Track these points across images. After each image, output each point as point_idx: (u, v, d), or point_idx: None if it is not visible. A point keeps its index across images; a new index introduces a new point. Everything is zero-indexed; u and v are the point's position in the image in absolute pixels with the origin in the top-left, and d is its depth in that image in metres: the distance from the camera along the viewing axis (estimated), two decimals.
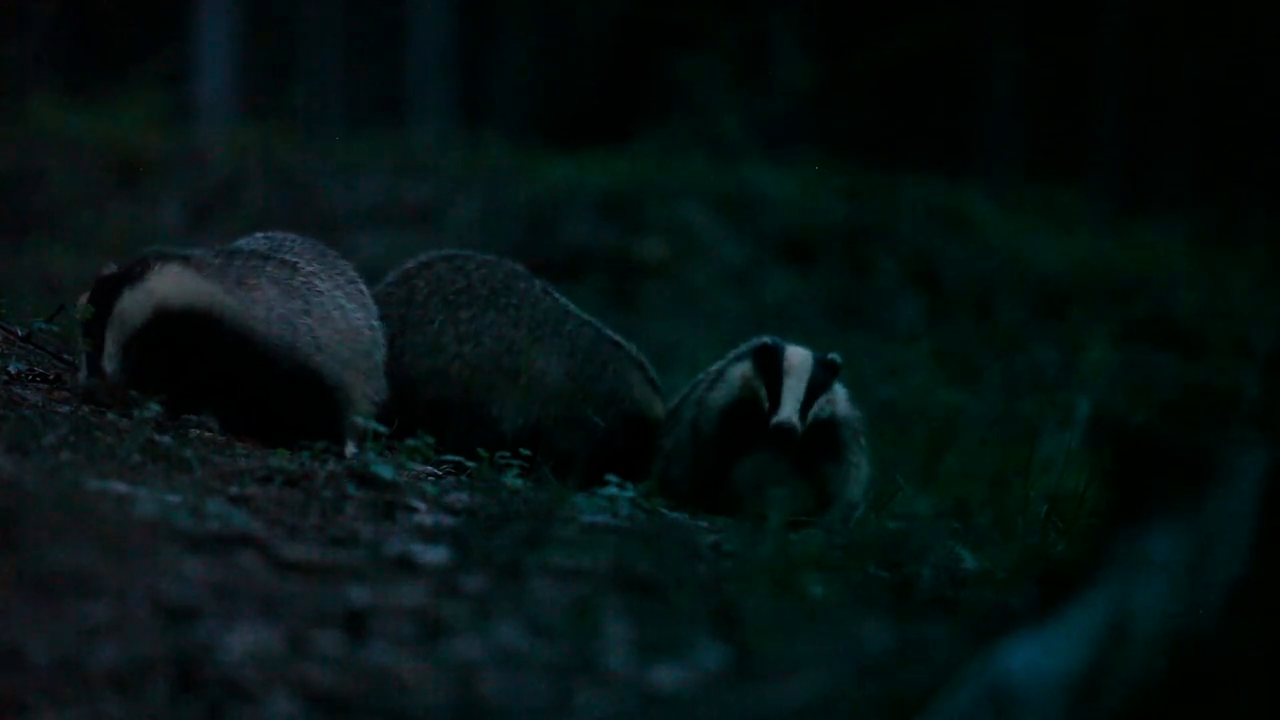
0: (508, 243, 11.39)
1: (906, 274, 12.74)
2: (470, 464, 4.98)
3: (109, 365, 4.55)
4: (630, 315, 11.05)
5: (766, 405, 5.19)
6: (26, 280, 9.63)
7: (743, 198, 13.52)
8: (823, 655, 3.11)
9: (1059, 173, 18.01)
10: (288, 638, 3.07)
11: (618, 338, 5.83)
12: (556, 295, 5.78)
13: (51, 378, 4.90)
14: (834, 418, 5.32)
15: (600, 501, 4.45)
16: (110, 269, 4.66)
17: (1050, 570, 2.88)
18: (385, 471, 4.33)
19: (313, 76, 21.08)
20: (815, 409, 5.20)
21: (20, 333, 5.23)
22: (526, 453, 5.08)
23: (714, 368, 5.58)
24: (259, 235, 5.07)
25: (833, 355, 5.30)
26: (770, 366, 5.22)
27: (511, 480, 4.65)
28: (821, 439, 5.31)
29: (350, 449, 4.97)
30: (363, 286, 5.08)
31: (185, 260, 4.69)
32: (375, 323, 5.06)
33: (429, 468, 4.94)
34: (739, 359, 5.40)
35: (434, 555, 3.71)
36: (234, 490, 4.07)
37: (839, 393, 5.34)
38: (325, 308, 4.86)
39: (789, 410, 5.15)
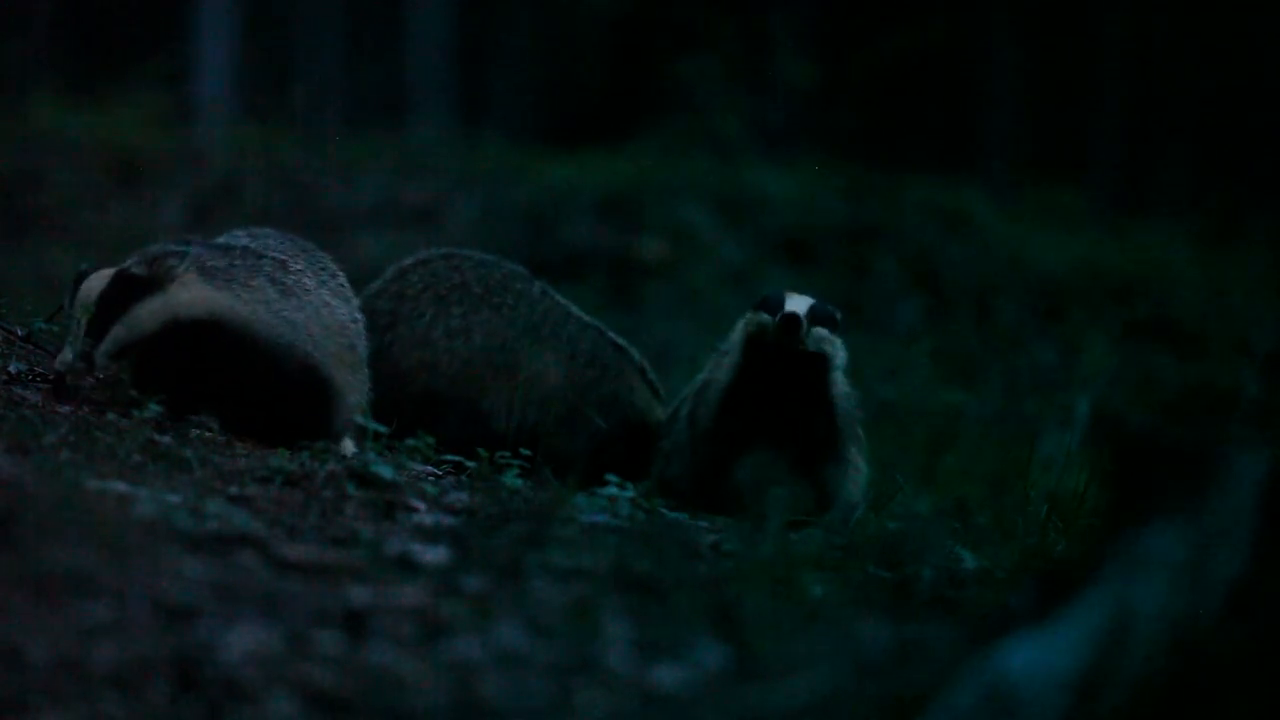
0: (508, 243, 11.39)
1: (906, 274, 12.74)
2: (470, 464, 4.98)
3: (99, 360, 4.56)
4: (630, 315, 11.05)
5: (771, 320, 5.25)
6: (26, 280, 9.63)
7: (743, 198, 13.53)
8: (823, 655, 3.11)
9: (1059, 173, 18.02)
10: (288, 638, 3.07)
11: (620, 341, 5.83)
12: (557, 297, 5.78)
13: (51, 378, 4.90)
14: (831, 380, 5.34)
15: (600, 501, 4.45)
16: (129, 267, 4.65)
17: (1050, 570, 2.88)
18: (385, 471, 4.33)
19: (313, 76, 21.08)
20: (816, 334, 5.27)
21: (20, 333, 5.23)
22: (526, 453, 5.08)
23: (710, 362, 5.59)
24: (238, 232, 5.08)
25: (832, 307, 5.38)
26: (773, 299, 5.33)
27: (511, 480, 4.65)
28: (818, 409, 5.34)
29: (350, 448, 4.97)
30: (344, 280, 5.11)
31: (200, 268, 4.70)
32: (358, 316, 5.08)
33: (429, 468, 4.94)
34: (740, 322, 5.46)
35: (434, 555, 3.71)
36: (234, 490, 4.08)
37: (840, 348, 5.38)
38: (314, 304, 4.89)
39: (794, 305, 5.23)
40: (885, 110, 20.35)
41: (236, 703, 2.82)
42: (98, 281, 4.62)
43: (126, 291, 4.61)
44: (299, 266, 4.93)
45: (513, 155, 14.90)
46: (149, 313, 4.60)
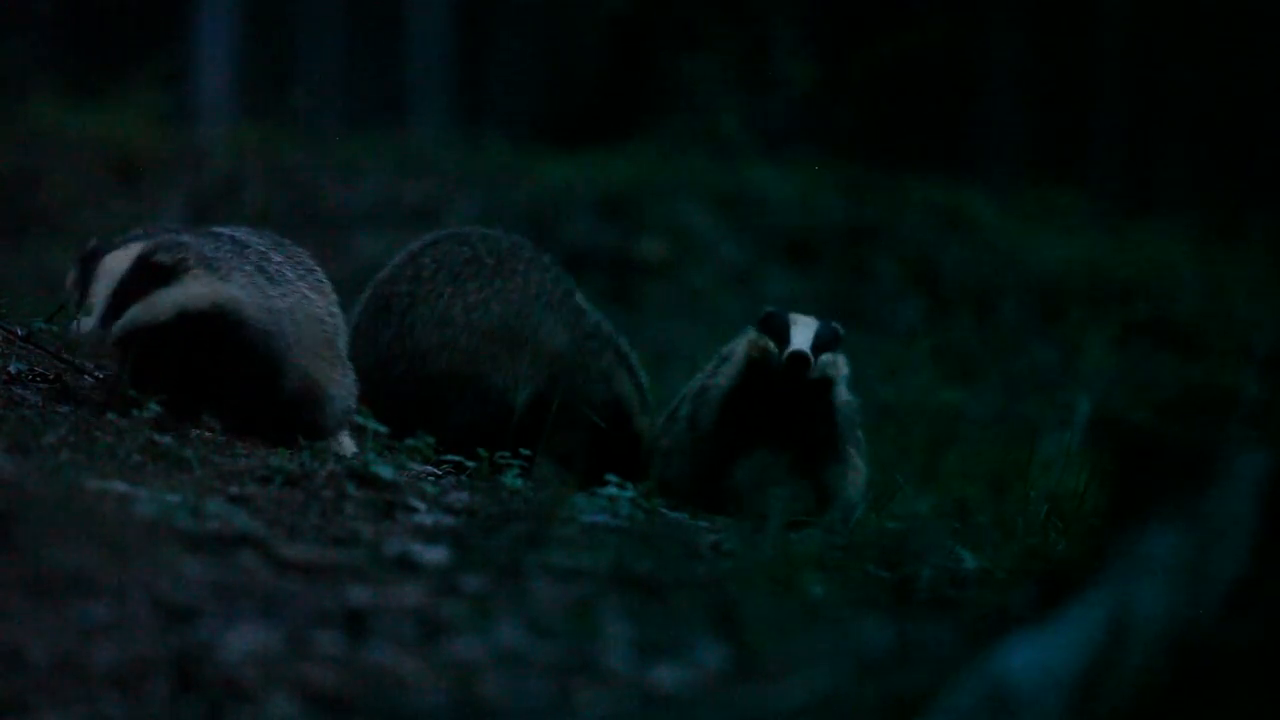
0: None
1: (906, 274, 12.74)
2: (470, 464, 4.98)
3: (111, 335, 4.57)
4: (630, 315, 11.04)
5: (777, 352, 5.22)
6: (26, 280, 9.63)
7: (743, 198, 13.52)
8: (823, 655, 3.11)
9: (1059, 173, 18.01)
10: (288, 638, 3.07)
11: (614, 332, 5.87)
12: (563, 273, 5.83)
13: (51, 378, 4.90)
14: (835, 396, 5.34)
15: (600, 501, 4.45)
16: (151, 253, 4.67)
17: (1050, 570, 2.88)
18: (385, 471, 4.34)
19: (313, 76, 21.08)
20: (822, 361, 5.24)
21: (20, 333, 5.23)
22: (526, 452, 5.09)
23: (709, 365, 5.59)
24: (216, 228, 5.09)
25: (835, 324, 5.35)
26: (777, 323, 5.28)
27: (511, 480, 4.65)
28: (820, 420, 5.33)
29: (350, 447, 4.97)
30: (321, 275, 5.13)
31: (203, 260, 4.73)
32: (335, 310, 5.10)
33: (429, 468, 4.94)
34: (741, 338, 5.44)
35: (434, 555, 3.71)
36: (234, 490, 4.08)
37: (843, 363, 5.37)
38: (294, 298, 4.92)
39: (800, 343, 5.20)
40: (885, 110, 20.34)
41: (236, 703, 2.82)
42: (119, 261, 4.63)
43: (149, 276, 4.63)
44: (279, 259, 4.98)
45: (513, 155, 14.90)
46: (162, 304, 4.63)
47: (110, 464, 4.09)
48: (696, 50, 16.91)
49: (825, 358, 5.27)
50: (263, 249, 4.96)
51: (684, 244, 12.88)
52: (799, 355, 5.20)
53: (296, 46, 21.44)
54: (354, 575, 3.48)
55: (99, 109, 15.09)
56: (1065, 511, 5.16)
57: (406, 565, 3.63)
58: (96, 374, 5.04)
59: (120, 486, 3.84)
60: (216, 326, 4.69)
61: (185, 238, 4.77)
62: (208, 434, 4.65)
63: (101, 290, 4.58)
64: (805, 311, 5.43)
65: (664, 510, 4.82)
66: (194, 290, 4.68)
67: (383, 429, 4.74)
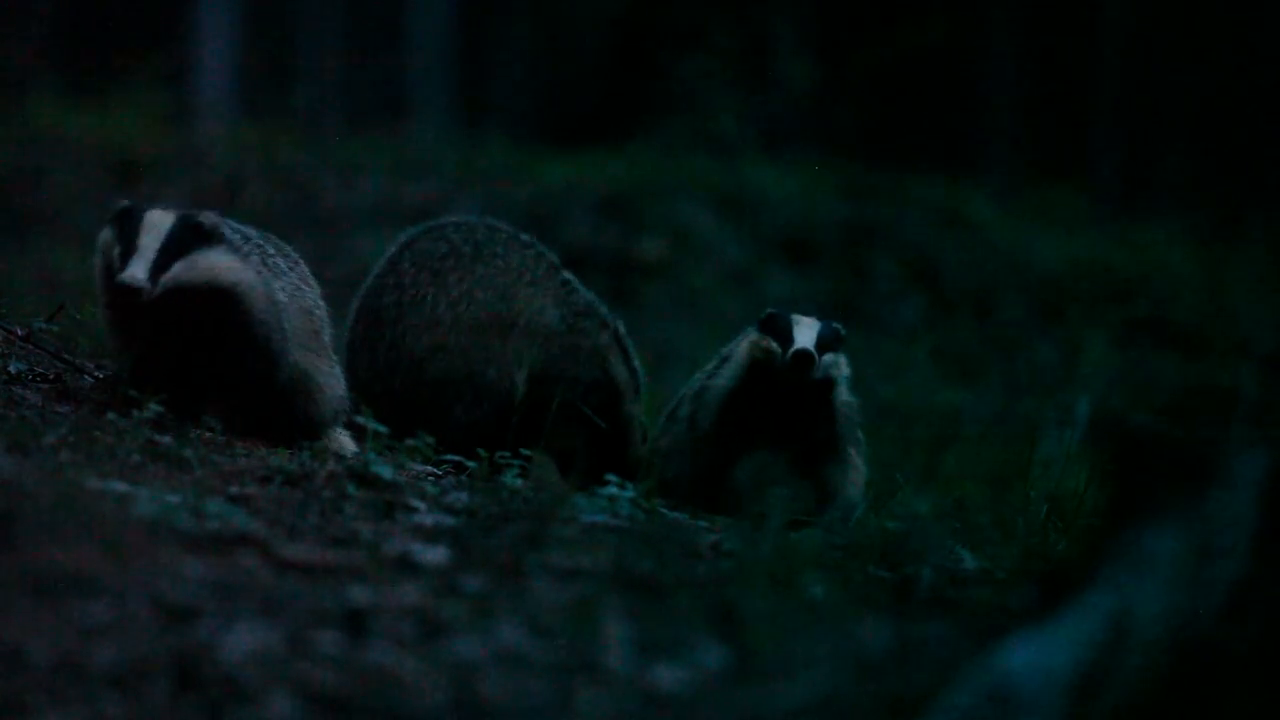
0: None
1: (906, 274, 12.74)
2: (470, 464, 4.98)
3: (158, 288, 4.59)
4: (630, 315, 11.04)
5: (781, 351, 5.23)
6: (26, 280, 9.62)
7: (743, 197, 13.53)
8: (823, 655, 3.11)
9: (1059, 173, 18.01)
10: (288, 638, 3.07)
11: (612, 315, 5.87)
12: (544, 250, 5.81)
13: (51, 378, 4.90)
14: (836, 397, 5.34)
15: (600, 501, 4.45)
16: (191, 213, 4.72)
17: (1050, 570, 2.88)
18: (385, 471, 4.34)
19: (313, 76, 21.08)
20: (825, 361, 5.25)
21: (20, 333, 5.23)
22: (527, 452, 5.09)
23: (709, 366, 5.59)
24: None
25: (836, 324, 5.36)
26: (780, 324, 5.28)
27: (511, 480, 4.65)
28: (821, 421, 5.33)
29: (350, 447, 4.97)
30: (305, 268, 5.15)
31: (232, 242, 4.78)
32: (321, 302, 5.11)
33: (429, 468, 4.94)
34: (743, 339, 5.44)
35: (434, 555, 3.71)
36: (234, 490, 4.08)
37: (844, 364, 5.38)
38: (290, 290, 4.95)
39: (804, 341, 5.20)
40: (885, 110, 20.35)
41: (236, 703, 2.82)
42: (163, 218, 4.65)
43: (192, 235, 4.67)
44: (270, 250, 5.00)
45: (513, 155, 14.90)
46: (204, 263, 4.67)
47: (110, 464, 4.09)
48: (696, 50, 16.90)
49: (828, 358, 5.28)
50: (259, 241, 4.98)
51: (684, 244, 12.88)
52: (803, 354, 5.21)
53: (296, 46, 21.44)
54: (354, 575, 3.48)
55: (99, 109, 15.08)
56: (1065, 511, 5.16)
57: (406, 565, 3.63)
58: (96, 374, 5.04)
59: (120, 486, 3.85)
60: (231, 306, 4.71)
61: (211, 213, 4.81)
62: (208, 434, 4.65)
63: (149, 243, 4.59)
64: (806, 312, 5.43)
65: (664, 510, 4.82)
66: (224, 262, 4.71)
67: (383, 429, 4.74)
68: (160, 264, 4.59)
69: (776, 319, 5.31)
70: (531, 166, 14.26)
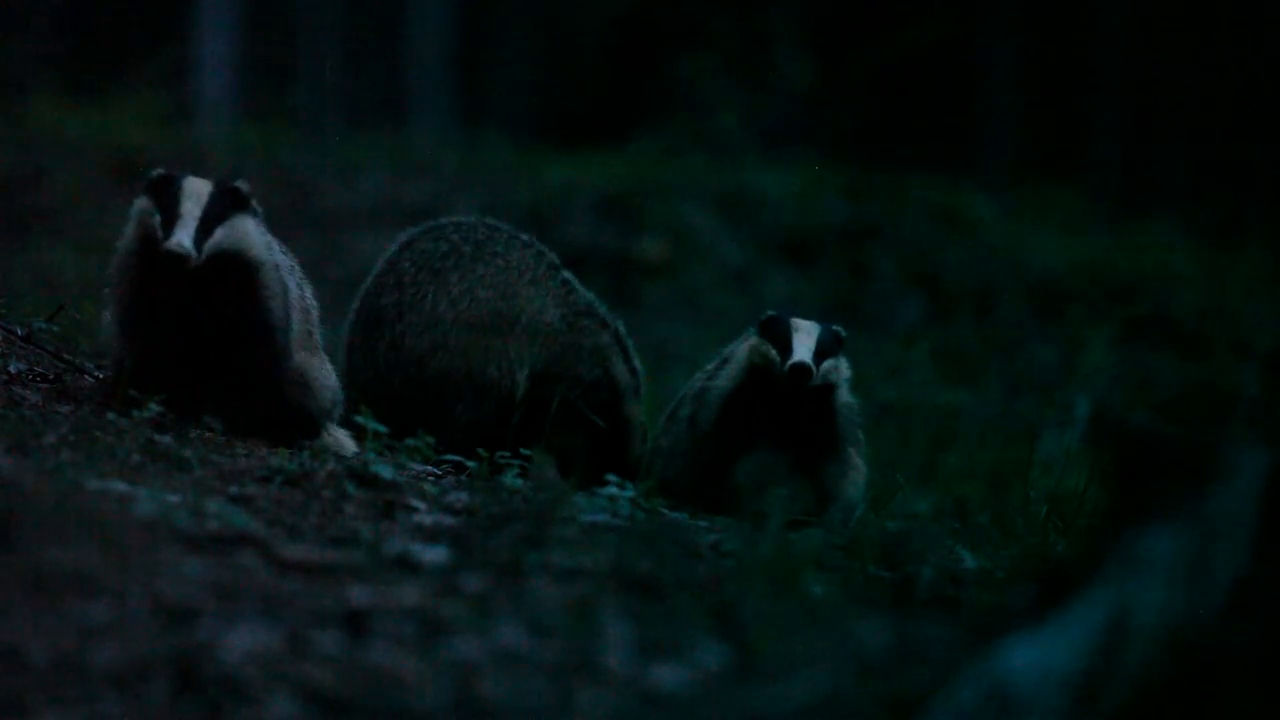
0: None
1: (906, 274, 12.74)
2: (470, 464, 4.98)
3: (203, 255, 4.58)
4: (630, 315, 11.04)
5: (779, 360, 5.21)
6: (26, 280, 9.62)
7: (743, 198, 13.52)
8: (823, 655, 3.11)
9: (1059, 173, 18.00)
10: (288, 638, 3.07)
11: (612, 316, 5.87)
12: (544, 249, 5.81)
13: (51, 378, 4.90)
14: (835, 399, 5.34)
15: (600, 501, 4.45)
16: (230, 181, 4.72)
17: (1050, 570, 2.88)
18: (385, 471, 4.34)
19: (313, 76, 21.08)
20: (825, 368, 5.24)
21: (20, 333, 5.23)
22: (527, 453, 5.09)
23: (710, 366, 5.59)
24: None
25: (836, 327, 5.34)
26: (779, 329, 5.27)
27: (511, 480, 4.65)
28: (821, 423, 5.33)
29: (350, 447, 4.97)
30: (299, 269, 5.15)
31: (258, 215, 4.79)
32: (314, 302, 5.12)
33: (429, 468, 4.94)
34: (743, 341, 5.43)
35: (434, 555, 3.71)
36: (234, 490, 4.08)
37: (844, 367, 5.37)
38: (294, 287, 4.95)
39: (802, 353, 5.19)
40: (885, 110, 20.34)
41: (236, 703, 2.82)
42: (201, 185, 4.65)
43: (230, 200, 4.67)
44: (276, 244, 5.00)
45: (513, 155, 14.89)
46: (241, 228, 4.66)
47: (110, 464, 4.09)
48: (696, 50, 16.90)
49: (827, 364, 5.26)
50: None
51: (684, 244, 12.88)
52: (801, 367, 5.19)
53: (296, 46, 21.43)
54: (354, 575, 3.48)
55: (99, 109, 15.08)
56: (1065, 511, 5.16)
57: (406, 565, 3.63)
58: (96, 374, 5.04)
59: (120, 486, 3.85)
60: (251, 282, 4.69)
61: (243, 180, 4.81)
62: (208, 434, 4.65)
63: (191, 209, 4.58)
64: (805, 313, 5.42)
65: (664, 510, 4.82)
66: (256, 236, 4.70)
67: (383, 429, 4.74)
68: (204, 230, 4.57)
69: (776, 323, 5.29)
70: (531, 166, 14.26)
